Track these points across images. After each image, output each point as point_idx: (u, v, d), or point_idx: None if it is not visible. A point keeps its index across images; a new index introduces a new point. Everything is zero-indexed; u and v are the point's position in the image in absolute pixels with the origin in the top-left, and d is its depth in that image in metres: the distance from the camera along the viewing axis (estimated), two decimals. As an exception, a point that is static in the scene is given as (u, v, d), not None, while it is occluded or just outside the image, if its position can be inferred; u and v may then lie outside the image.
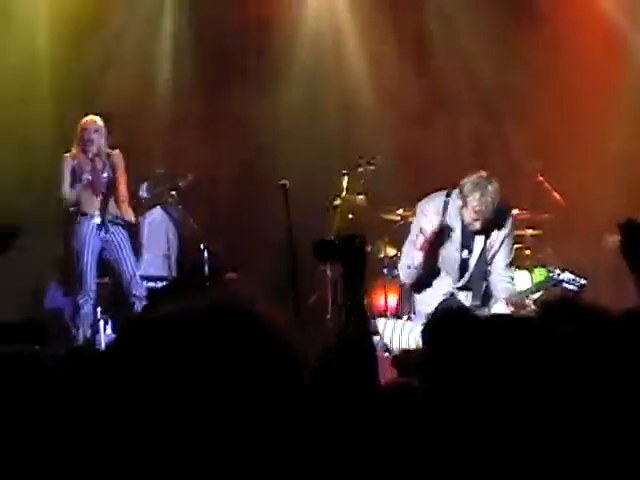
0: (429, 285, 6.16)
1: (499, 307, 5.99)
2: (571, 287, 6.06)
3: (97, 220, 7.45)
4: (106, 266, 7.66)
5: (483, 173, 5.83)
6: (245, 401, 1.25)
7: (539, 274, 8.02)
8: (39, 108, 8.80)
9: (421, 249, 5.93)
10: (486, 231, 6.00)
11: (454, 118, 9.40)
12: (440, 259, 6.11)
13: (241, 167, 9.20)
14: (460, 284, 6.11)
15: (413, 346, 5.95)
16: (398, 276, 7.45)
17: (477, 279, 6.09)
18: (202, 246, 8.00)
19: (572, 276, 6.06)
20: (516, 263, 7.90)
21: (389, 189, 8.54)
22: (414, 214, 7.21)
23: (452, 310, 2.92)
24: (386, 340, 6.23)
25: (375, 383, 2.86)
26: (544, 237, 8.19)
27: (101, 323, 7.77)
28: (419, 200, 6.25)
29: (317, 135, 9.07)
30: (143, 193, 8.52)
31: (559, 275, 6.10)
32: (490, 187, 5.79)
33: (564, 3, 9.08)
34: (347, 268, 3.18)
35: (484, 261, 6.06)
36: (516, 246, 8.03)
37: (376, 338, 7.68)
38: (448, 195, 6.00)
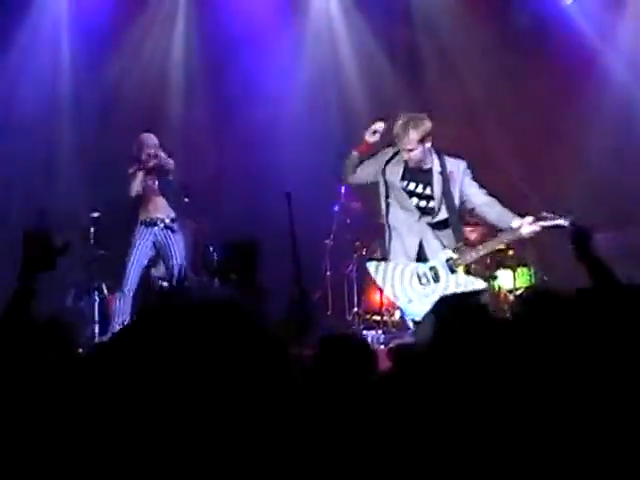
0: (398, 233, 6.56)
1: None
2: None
3: (151, 224, 8.08)
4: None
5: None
6: (232, 387, 1.30)
7: (522, 273, 8.58)
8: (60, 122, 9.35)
9: (357, 148, 6.63)
10: (442, 173, 6.49)
11: (441, 126, 9.89)
12: (391, 192, 6.54)
13: (248, 175, 9.66)
14: (428, 220, 6.48)
15: (402, 285, 6.41)
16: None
17: (453, 218, 6.48)
18: (211, 248, 8.48)
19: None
20: (501, 262, 8.51)
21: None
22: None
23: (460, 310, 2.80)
24: (379, 282, 6.55)
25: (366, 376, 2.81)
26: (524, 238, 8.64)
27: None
28: None
29: (318, 144, 9.48)
30: None
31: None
32: (410, 116, 6.47)
33: (543, 21, 9.66)
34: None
35: (451, 197, 6.46)
36: (500, 247, 8.62)
37: (370, 332, 8.31)
38: None
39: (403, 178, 6.48)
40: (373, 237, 8.67)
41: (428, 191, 6.47)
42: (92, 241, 8.35)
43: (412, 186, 6.49)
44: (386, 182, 6.53)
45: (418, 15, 9.97)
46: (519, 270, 8.49)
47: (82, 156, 9.50)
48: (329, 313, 8.46)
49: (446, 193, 6.44)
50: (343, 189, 8.55)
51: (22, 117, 9.39)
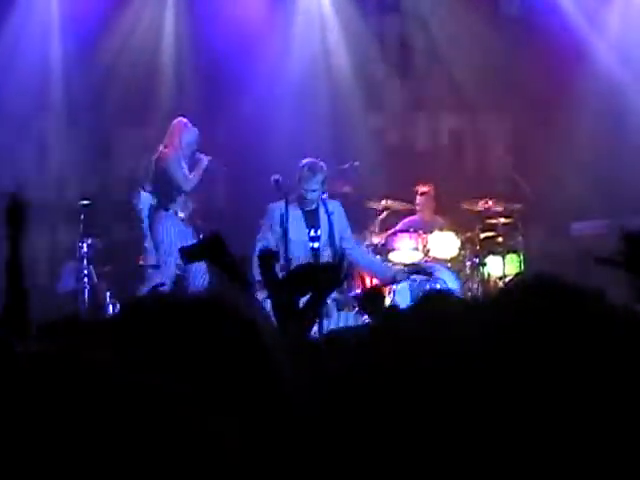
0: None
1: None
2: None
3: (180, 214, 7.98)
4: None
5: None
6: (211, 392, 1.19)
7: (511, 260, 8.62)
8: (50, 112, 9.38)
9: None
10: (327, 213, 7.07)
11: (434, 117, 9.98)
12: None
13: (237, 163, 9.62)
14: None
15: None
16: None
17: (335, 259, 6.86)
18: (201, 236, 8.46)
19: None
20: (490, 249, 8.59)
21: (375, 182, 9.12)
22: (398, 204, 7.90)
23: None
24: None
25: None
26: (515, 225, 8.67)
27: (110, 307, 8.34)
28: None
29: (308, 132, 9.45)
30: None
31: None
32: (312, 162, 7.16)
33: (535, 10, 9.72)
34: (216, 264, 3.15)
35: (334, 238, 7.05)
36: (490, 234, 8.68)
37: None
38: None
39: (306, 226, 7.03)
40: (364, 225, 8.79)
41: (318, 232, 7.02)
42: (81, 228, 8.35)
43: (312, 232, 7.04)
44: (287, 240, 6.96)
45: (408, 3, 10.01)
46: (508, 257, 8.51)
47: (72, 145, 9.51)
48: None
49: (331, 235, 7.00)
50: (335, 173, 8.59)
51: (11, 107, 9.38)
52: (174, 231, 7.82)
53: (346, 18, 9.99)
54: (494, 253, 8.50)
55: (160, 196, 7.94)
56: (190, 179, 7.86)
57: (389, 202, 8.67)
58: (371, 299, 3.64)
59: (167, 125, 9.60)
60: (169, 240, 7.78)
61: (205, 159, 7.95)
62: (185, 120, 8.11)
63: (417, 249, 8.33)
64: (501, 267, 8.46)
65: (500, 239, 8.59)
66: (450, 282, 8.11)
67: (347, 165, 8.59)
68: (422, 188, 8.83)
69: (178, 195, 7.89)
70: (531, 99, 9.47)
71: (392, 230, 8.74)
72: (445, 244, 8.45)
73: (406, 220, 8.88)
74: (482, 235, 8.65)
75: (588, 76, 9.46)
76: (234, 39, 9.63)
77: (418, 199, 8.85)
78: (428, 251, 8.36)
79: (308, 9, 10.05)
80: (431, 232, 8.45)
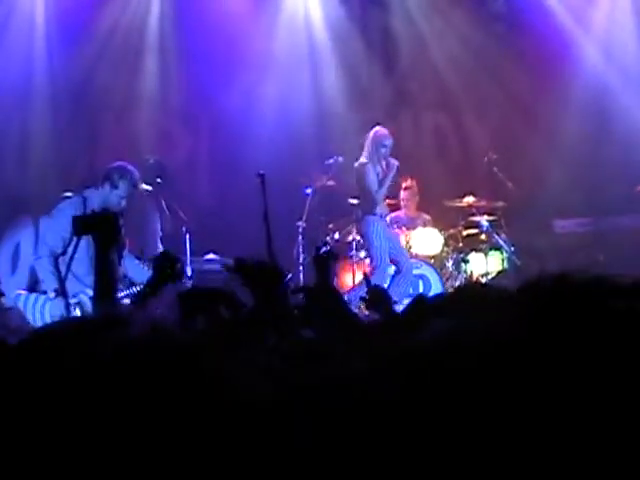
0: None
1: None
2: None
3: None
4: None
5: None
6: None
7: (494, 257, 8.63)
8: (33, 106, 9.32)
9: None
10: None
11: (418, 114, 9.99)
12: None
13: (222, 157, 9.65)
14: None
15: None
16: (365, 257, 8.16)
17: None
18: (184, 229, 8.41)
19: None
20: (473, 246, 8.61)
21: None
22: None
23: None
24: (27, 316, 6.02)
25: None
26: (498, 223, 8.71)
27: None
28: None
29: (293, 127, 9.50)
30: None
31: None
32: None
33: (521, 7, 9.74)
34: (99, 239, 3.31)
35: None
36: (473, 231, 8.70)
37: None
38: None
39: None
40: (347, 220, 8.75)
41: None
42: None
43: None
44: None
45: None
46: (491, 254, 8.52)
47: (55, 139, 9.45)
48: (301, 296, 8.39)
49: None
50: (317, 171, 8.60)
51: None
52: (383, 233, 7.98)
53: (331, 13, 9.99)
54: (477, 250, 8.52)
55: (364, 202, 8.07)
56: (380, 190, 7.99)
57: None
58: (377, 296, 3.61)
59: (150, 119, 9.64)
60: (379, 242, 7.94)
61: (394, 164, 8.04)
62: (378, 128, 8.18)
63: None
64: (484, 264, 8.47)
65: (483, 237, 8.63)
66: (433, 279, 8.14)
67: (332, 160, 8.59)
68: (406, 183, 8.85)
69: (376, 201, 8.07)
70: (515, 96, 9.50)
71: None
72: (428, 241, 8.46)
73: (391, 215, 8.89)
74: (465, 232, 8.68)
75: (573, 74, 9.50)
76: (220, 34, 9.61)
77: (402, 194, 8.87)
78: (411, 247, 8.37)
79: (293, 4, 10.04)
80: (414, 228, 8.47)
